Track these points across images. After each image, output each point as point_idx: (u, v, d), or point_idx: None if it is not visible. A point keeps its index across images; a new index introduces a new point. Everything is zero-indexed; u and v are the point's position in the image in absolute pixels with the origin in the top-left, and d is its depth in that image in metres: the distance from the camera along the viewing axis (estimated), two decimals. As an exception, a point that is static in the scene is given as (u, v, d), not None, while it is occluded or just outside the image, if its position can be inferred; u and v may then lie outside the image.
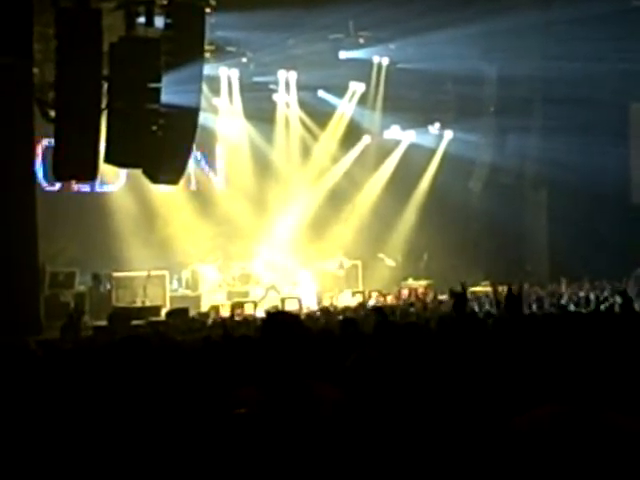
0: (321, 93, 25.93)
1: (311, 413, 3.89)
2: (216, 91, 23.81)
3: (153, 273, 21.99)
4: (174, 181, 19.11)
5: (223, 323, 14.80)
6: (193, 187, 24.53)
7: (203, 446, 4.06)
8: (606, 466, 3.35)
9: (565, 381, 3.54)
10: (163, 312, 20.73)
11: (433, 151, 27.80)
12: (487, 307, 18.01)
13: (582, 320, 3.71)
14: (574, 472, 3.37)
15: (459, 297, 7.92)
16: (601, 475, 3.35)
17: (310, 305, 22.18)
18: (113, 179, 22.50)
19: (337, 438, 3.85)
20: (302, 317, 16.10)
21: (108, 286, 21.68)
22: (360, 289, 24.77)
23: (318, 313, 18.18)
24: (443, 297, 21.43)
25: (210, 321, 18.07)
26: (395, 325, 4.78)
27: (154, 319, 19.38)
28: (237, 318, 18.27)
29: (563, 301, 19.48)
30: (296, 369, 4.03)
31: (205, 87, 20.34)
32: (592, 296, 19.30)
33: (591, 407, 3.46)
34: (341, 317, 15.45)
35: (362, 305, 20.55)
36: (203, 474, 3.94)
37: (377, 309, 9.23)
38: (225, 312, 20.42)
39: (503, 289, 21.62)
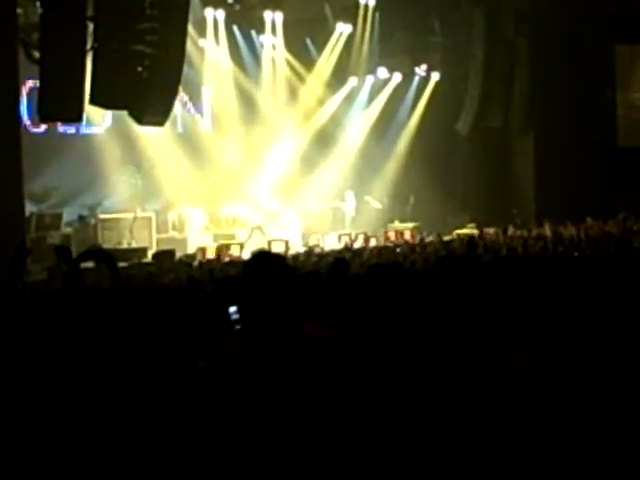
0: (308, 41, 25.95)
1: (299, 352, 3.92)
2: (202, 32, 23.61)
3: (139, 215, 21.97)
4: (160, 123, 19.01)
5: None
6: (179, 129, 24.41)
7: (190, 389, 4.09)
8: (590, 406, 3.41)
9: (553, 322, 3.57)
10: (149, 254, 20.78)
11: (420, 93, 27.67)
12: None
13: (568, 261, 3.75)
14: (559, 410, 3.43)
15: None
16: (584, 413, 3.41)
17: (296, 247, 22.24)
18: (99, 121, 22.35)
19: (327, 377, 3.89)
20: (288, 259, 16.19)
21: (94, 226, 21.66)
22: (346, 231, 24.79)
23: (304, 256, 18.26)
24: (429, 239, 21.51)
25: (197, 263, 18.15)
26: (380, 265, 4.81)
27: (141, 261, 19.45)
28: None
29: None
30: (280, 309, 4.05)
31: (191, 28, 20.16)
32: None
33: (578, 348, 3.50)
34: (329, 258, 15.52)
35: (348, 247, 20.63)
36: (191, 419, 3.97)
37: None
38: (211, 254, 20.49)
39: (489, 231, 21.78)
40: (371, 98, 27.50)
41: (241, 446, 3.72)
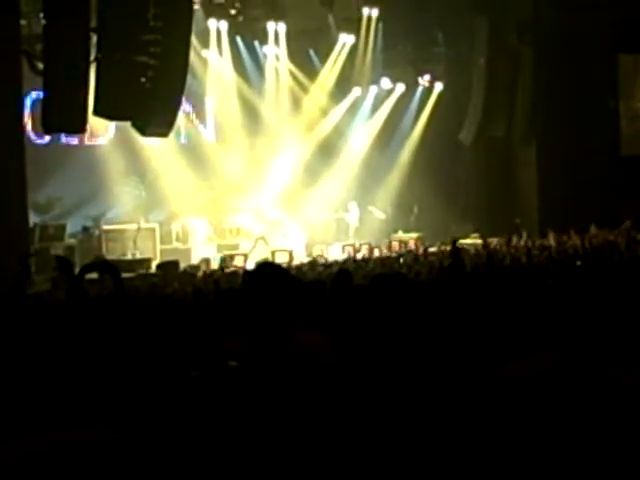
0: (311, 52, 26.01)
1: (291, 360, 3.92)
2: (205, 43, 23.63)
3: (143, 226, 21.99)
4: (164, 134, 19.03)
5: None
6: (183, 140, 24.41)
7: (191, 398, 4.09)
8: (594, 413, 3.40)
9: (557, 331, 3.57)
10: (154, 265, 20.77)
11: (423, 103, 27.69)
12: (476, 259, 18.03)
13: (572, 271, 3.74)
14: (563, 417, 3.42)
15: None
16: (588, 421, 3.40)
17: (300, 258, 22.23)
18: (102, 132, 22.39)
19: (320, 386, 3.88)
20: (292, 269, 16.19)
21: (98, 237, 21.67)
22: (350, 242, 24.78)
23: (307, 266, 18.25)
24: (433, 249, 21.49)
25: (201, 273, 18.14)
26: (384, 276, 4.80)
27: (145, 272, 19.44)
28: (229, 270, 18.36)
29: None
30: (282, 320, 4.05)
31: (194, 39, 20.18)
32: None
33: (582, 356, 3.50)
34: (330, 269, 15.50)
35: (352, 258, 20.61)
36: (191, 427, 3.97)
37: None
38: (215, 265, 20.49)
39: (492, 241, 21.77)
40: (374, 108, 27.52)
41: (233, 449, 3.72)
